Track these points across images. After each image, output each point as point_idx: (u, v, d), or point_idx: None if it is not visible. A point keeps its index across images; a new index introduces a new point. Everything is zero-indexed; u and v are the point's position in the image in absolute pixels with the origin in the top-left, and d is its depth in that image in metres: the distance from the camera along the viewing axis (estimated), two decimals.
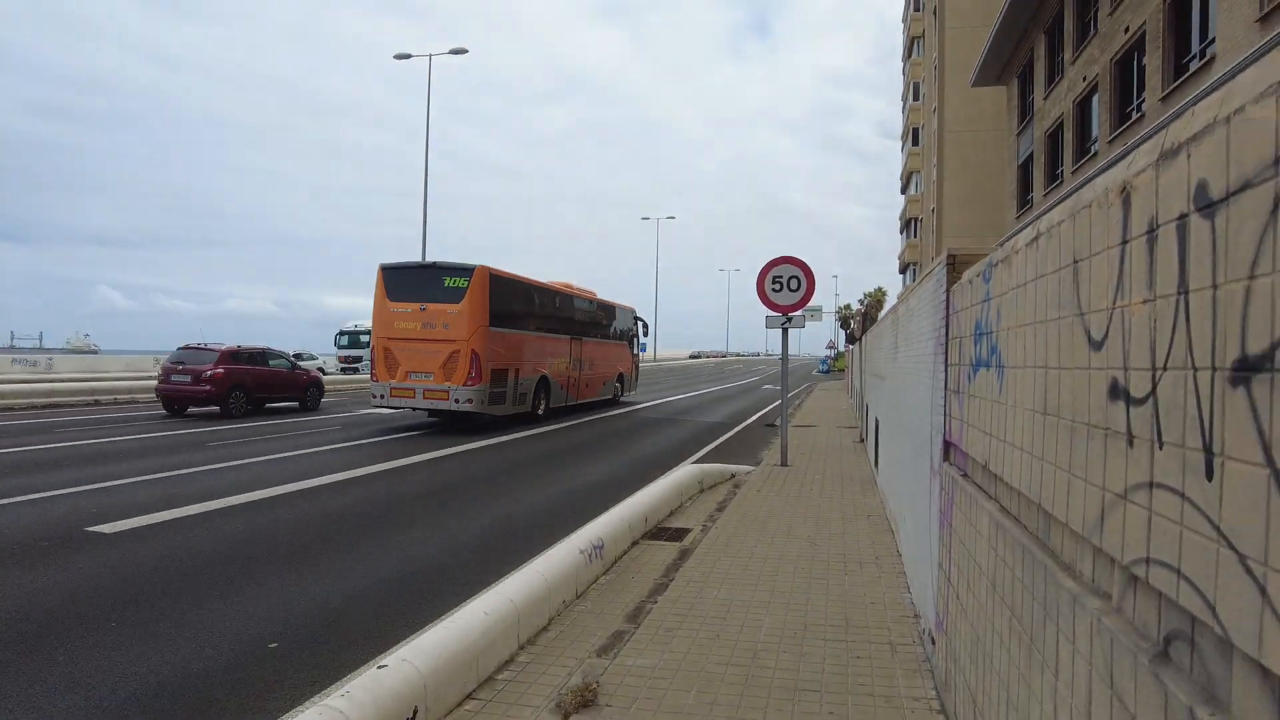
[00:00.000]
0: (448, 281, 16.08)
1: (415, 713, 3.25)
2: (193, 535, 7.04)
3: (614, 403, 24.37)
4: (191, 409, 18.61)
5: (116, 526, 7.19)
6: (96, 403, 21.60)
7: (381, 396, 16.50)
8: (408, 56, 33.76)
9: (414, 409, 16.89)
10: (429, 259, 17.15)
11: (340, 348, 43.20)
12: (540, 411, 18.68)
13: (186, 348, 18.93)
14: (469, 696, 3.74)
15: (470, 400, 15.81)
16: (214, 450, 12.58)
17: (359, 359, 41.29)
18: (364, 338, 41.47)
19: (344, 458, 12.19)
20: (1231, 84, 1.12)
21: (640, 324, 27.07)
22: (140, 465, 10.74)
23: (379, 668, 3.34)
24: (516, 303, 17.78)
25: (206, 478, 9.87)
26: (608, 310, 24.10)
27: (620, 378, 24.95)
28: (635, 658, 4.21)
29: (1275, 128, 0.99)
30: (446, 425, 17.09)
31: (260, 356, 19.71)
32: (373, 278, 16.88)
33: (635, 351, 26.71)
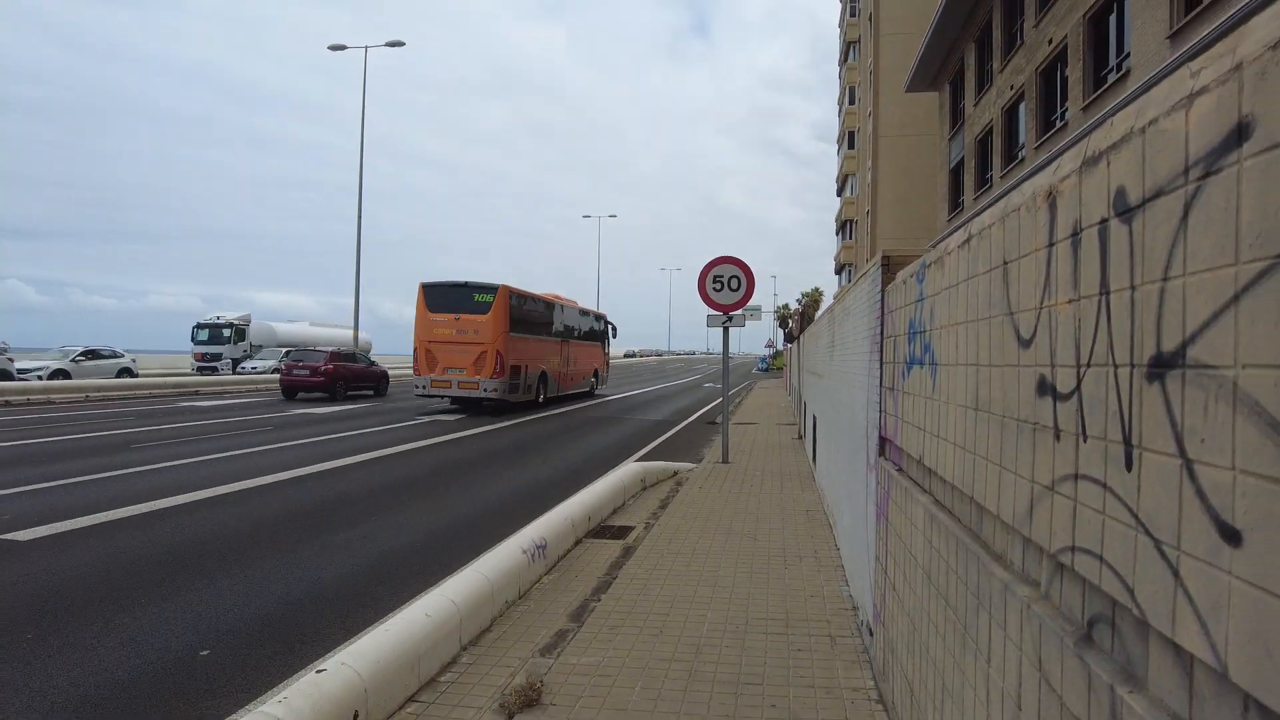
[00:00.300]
0: (477, 297, 20.19)
1: (355, 717, 3.19)
2: (143, 533, 6.77)
3: (590, 394, 28.57)
4: (300, 394, 24.39)
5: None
6: (8, 404, 20.53)
7: (423, 387, 20.53)
8: (342, 48, 32.98)
9: (448, 397, 20.90)
10: (463, 278, 21.33)
11: (197, 343, 36.61)
12: (540, 399, 22.68)
13: (301, 350, 27.24)
14: (411, 699, 3.69)
15: (495, 390, 19.97)
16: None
17: (218, 357, 35.98)
18: (226, 331, 36.75)
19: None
20: (1146, 97, 1.19)
21: (610, 327, 31.46)
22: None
23: (317, 672, 3.26)
24: (527, 313, 22.00)
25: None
26: (587, 316, 28.48)
27: (596, 373, 29.27)
28: (579, 656, 4.21)
29: (1185, 139, 1.06)
30: (469, 410, 21.07)
31: (351, 356, 26.13)
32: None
33: (606, 350, 31.14)
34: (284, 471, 10.42)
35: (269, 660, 4.37)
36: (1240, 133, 0.94)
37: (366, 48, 33.05)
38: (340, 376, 24.48)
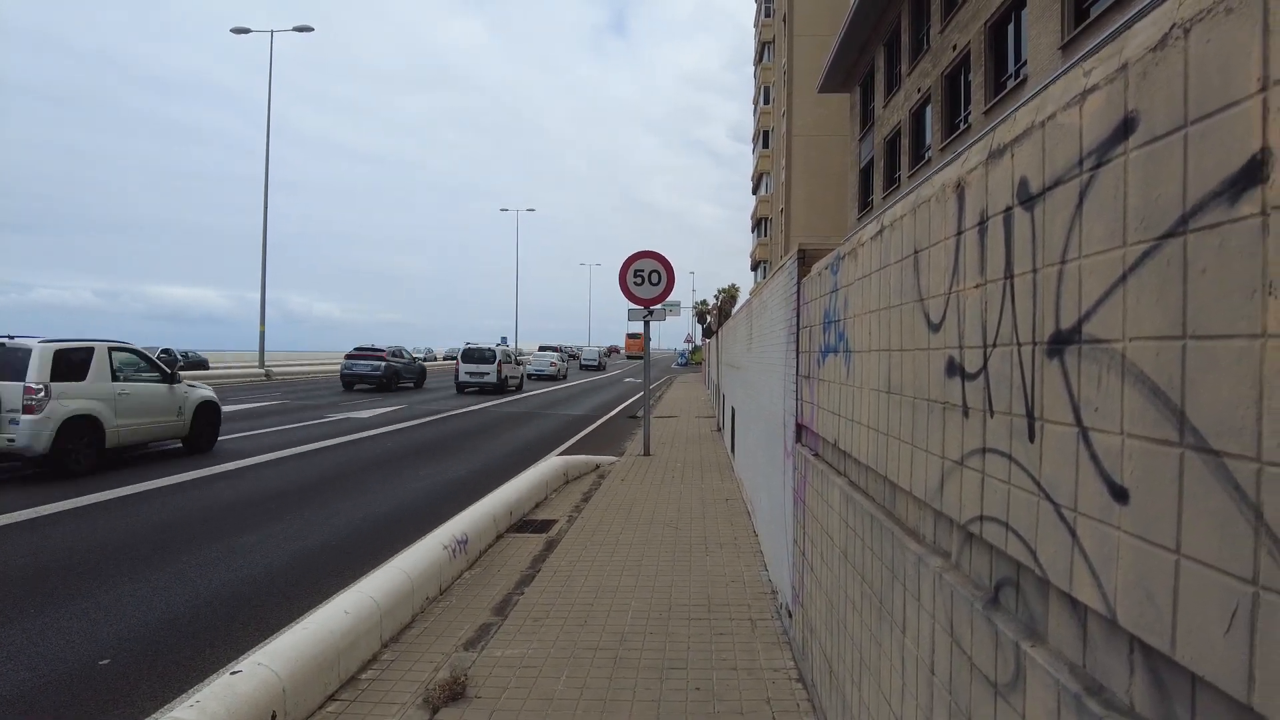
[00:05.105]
0: (640, 333, 44.28)
1: (274, 718, 3.10)
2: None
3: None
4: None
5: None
6: None
7: (627, 355, 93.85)
8: (246, 31, 31.61)
9: (630, 358, 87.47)
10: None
11: None
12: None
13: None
14: (331, 698, 3.60)
15: (641, 359, 49.33)
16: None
17: None
18: None
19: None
20: (1045, 94, 1.28)
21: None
22: None
23: (232, 674, 3.15)
24: (646, 338, 43.16)
25: None
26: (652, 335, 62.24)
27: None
28: (504, 648, 4.20)
29: (1080, 131, 1.15)
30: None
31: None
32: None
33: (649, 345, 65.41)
34: None
35: (178, 666, 4.19)
36: (1127, 126, 1.03)
37: (272, 32, 31.79)
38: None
